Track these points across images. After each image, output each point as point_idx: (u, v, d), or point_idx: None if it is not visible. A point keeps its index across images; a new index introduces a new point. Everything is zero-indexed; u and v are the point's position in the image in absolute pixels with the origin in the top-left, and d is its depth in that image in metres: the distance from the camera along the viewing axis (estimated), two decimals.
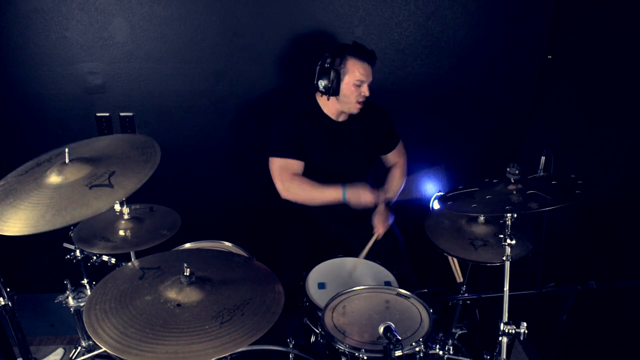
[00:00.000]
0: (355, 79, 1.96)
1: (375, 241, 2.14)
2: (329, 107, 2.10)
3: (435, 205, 2.62)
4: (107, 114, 2.46)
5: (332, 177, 2.16)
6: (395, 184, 2.26)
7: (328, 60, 1.98)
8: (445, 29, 2.39)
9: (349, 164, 2.17)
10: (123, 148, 1.53)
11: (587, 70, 2.14)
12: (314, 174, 2.16)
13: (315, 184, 2.05)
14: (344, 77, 1.97)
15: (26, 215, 1.28)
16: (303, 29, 2.36)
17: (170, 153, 2.56)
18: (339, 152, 2.13)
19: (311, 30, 2.36)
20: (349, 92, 1.99)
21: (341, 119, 2.13)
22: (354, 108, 2.04)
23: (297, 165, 2.08)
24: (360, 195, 1.99)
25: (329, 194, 2.03)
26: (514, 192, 1.60)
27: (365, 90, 1.99)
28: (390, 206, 2.19)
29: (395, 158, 2.31)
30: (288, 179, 2.06)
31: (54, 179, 1.38)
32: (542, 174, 1.72)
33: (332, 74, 1.97)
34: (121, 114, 2.46)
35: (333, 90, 2.00)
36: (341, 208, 2.22)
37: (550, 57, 2.40)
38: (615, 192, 1.94)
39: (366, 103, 2.10)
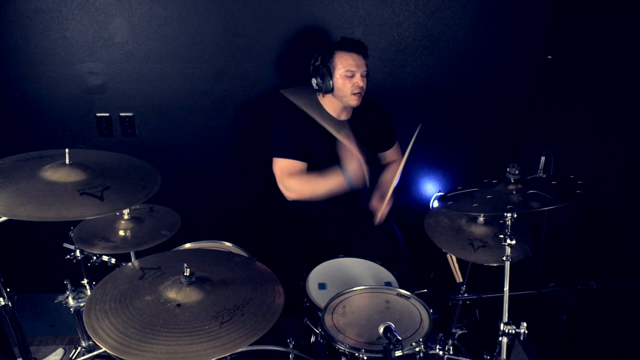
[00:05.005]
0: (345, 70, 1.96)
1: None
2: (330, 105, 2.09)
3: (435, 204, 2.63)
4: (107, 114, 2.46)
5: None
6: (391, 175, 2.25)
7: (318, 59, 2.01)
8: (445, 29, 2.39)
9: None
10: (126, 168, 1.55)
11: (587, 70, 2.14)
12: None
13: (316, 176, 2.01)
14: (334, 71, 1.98)
15: (8, 199, 1.28)
16: (303, 29, 2.36)
17: (170, 153, 2.57)
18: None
19: (311, 31, 2.36)
20: (342, 85, 1.99)
21: (343, 117, 2.13)
22: (352, 100, 2.02)
23: (299, 166, 2.06)
24: (358, 171, 1.92)
25: (332, 182, 1.96)
26: (514, 192, 1.60)
27: (358, 80, 1.98)
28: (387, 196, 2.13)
29: (392, 157, 2.33)
30: (288, 178, 2.04)
31: (49, 174, 1.38)
32: (542, 174, 1.72)
33: (322, 71, 1.98)
34: (121, 114, 2.46)
35: (327, 88, 2.00)
36: (341, 209, 2.23)
37: (550, 57, 2.40)
38: (615, 192, 1.94)
39: (366, 100, 2.11)
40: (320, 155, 2.11)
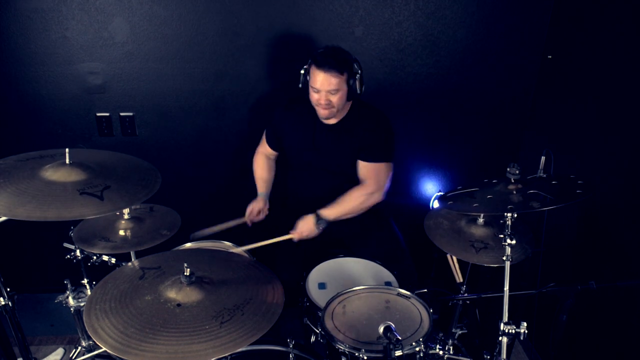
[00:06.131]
0: (311, 85, 1.97)
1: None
2: None
3: (435, 204, 2.63)
4: (107, 114, 2.46)
5: (314, 174, 2.18)
6: (345, 204, 2.08)
7: (305, 66, 2.00)
8: (445, 29, 2.39)
9: (334, 164, 2.16)
10: (126, 167, 1.55)
11: (587, 70, 2.14)
12: (297, 168, 2.22)
13: (259, 170, 2.33)
14: (309, 82, 1.98)
15: (8, 199, 1.28)
16: (303, 29, 2.36)
17: (170, 153, 2.57)
18: (321, 151, 2.13)
19: (311, 30, 2.36)
20: (310, 96, 2.01)
21: (332, 122, 2.11)
22: (319, 113, 2.03)
23: (267, 148, 2.32)
24: (249, 207, 2.26)
25: (257, 184, 2.33)
26: (514, 192, 1.60)
27: (321, 98, 1.95)
28: (321, 224, 2.06)
29: (365, 173, 2.10)
30: (258, 152, 2.37)
31: (49, 174, 1.38)
32: (542, 174, 1.72)
33: (304, 79, 2.00)
34: (121, 114, 2.46)
35: (306, 93, 2.02)
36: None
37: (550, 57, 2.40)
38: (615, 192, 1.94)
39: (369, 109, 2.10)
40: (298, 149, 2.19)
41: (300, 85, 2.03)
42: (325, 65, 1.90)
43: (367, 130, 2.08)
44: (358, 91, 1.98)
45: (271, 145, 2.29)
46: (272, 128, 2.25)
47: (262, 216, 2.24)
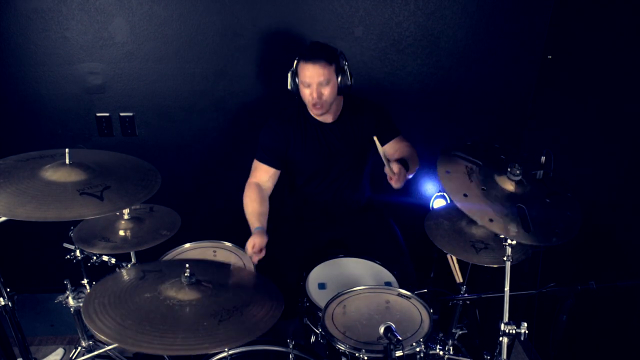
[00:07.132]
0: (301, 80, 1.92)
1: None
2: None
3: (435, 204, 2.63)
4: (107, 114, 2.46)
5: (327, 178, 2.16)
6: (408, 156, 2.05)
7: (293, 64, 1.97)
8: (445, 29, 2.39)
9: (343, 163, 2.15)
10: (126, 168, 1.55)
11: (587, 70, 2.14)
12: (310, 176, 2.17)
13: (250, 205, 2.08)
14: (298, 80, 1.95)
15: (8, 199, 1.28)
16: (303, 29, 2.36)
17: (170, 153, 2.57)
18: (330, 153, 2.12)
19: (311, 30, 2.36)
20: (302, 95, 1.96)
21: (329, 120, 2.10)
22: (311, 110, 2.00)
23: (265, 169, 2.12)
24: (249, 242, 1.94)
25: (249, 220, 2.08)
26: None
27: (313, 91, 1.89)
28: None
29: (397, 146, 2.14)
30: (249, 183, 2.15)
31: (49, 174, 1.38)
32: (541, 175, 1.71)
33: (293, 78, 1.96)
34: (121, 114, 2.46)
35: (297, 94, 1.98)
36: (339, 209, 2.23)
37: (550, 57, 2.40)
38: (615, 192, 1.94)
39: (360, 100, 2.10)
40: (307, 158, 2.12)
41: (289, 88, 1.98)
42: (313, 57, 1.87)
43: (371, 120, 2.10)
44: (349, 82, 1.96)
45: (274, 164, 2.12)
46: (269, 147, 2.11)
47: (263, 253, 1.96)
